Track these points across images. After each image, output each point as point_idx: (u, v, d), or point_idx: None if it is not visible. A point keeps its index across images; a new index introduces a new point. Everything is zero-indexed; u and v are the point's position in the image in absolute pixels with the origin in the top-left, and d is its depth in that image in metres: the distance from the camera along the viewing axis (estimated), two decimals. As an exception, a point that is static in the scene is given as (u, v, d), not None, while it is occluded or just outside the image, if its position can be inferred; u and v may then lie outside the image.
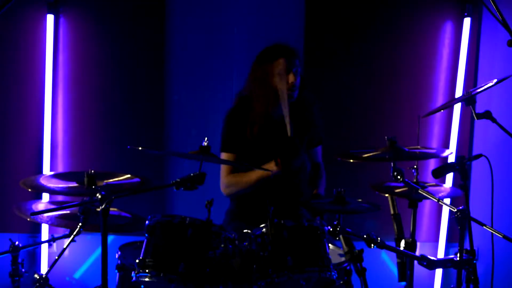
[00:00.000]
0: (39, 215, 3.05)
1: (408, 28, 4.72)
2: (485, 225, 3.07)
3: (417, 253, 3.24)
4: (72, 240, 3.05)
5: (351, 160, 3.36)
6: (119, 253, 3.29)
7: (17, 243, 3.12)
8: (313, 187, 3.82)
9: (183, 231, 2.85)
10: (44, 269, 4.61)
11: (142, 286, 2.94)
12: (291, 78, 3.62)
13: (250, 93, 3.72)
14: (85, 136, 4.66)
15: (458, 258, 3.01)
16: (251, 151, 3.67)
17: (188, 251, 2.82)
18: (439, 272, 4.77)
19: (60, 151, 4.62)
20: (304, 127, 3.78)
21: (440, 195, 3.46)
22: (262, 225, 2.93)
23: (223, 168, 3.68)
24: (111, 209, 2.72)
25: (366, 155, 3.38)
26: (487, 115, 3.22)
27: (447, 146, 4.75)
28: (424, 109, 4.59)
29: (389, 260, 4.79)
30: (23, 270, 3.16)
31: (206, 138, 3.02)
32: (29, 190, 3.11)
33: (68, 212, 3.19)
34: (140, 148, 3.12)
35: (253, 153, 3.66)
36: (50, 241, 3.33)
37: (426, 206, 4.82)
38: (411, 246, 3.41)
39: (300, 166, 3.74)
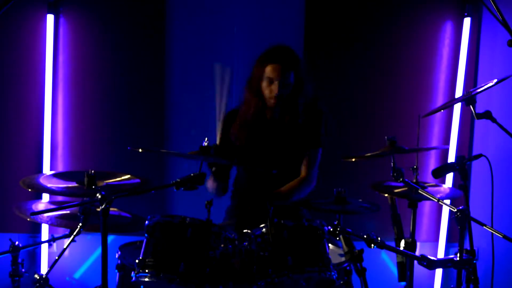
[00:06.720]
0: (39, 215, 3.05)
1: (408, 28, 4.72)
2: (485, 225, 3.06)
3: (417, 253, 3.24)
4: (72, 240, 3.05)
5: (353, 159, 3.36)
6: (119, 253, 3.29)
7: (17, 243, 3.13)
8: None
9: (183, 231, 2.84)
10: (44, 269, 4.61)
11: (142, 286, 2.94)
12: (273, 88, 3.50)
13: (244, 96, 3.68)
14: (85, 136, 4.66)
15: (458, 258, 3.01)
16: (241, 155, 3.62)
17: (188, 251, 2.82)
18: (439, 272, 4.77)
19: (60, 151, 4.62)
20: (303, 133, 3.65)
21: (439, 195, 3.46)
22: (262, 225, 2.93)
23: None
24: (111, 209, 2.73)
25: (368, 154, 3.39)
26: (487, 115, 3.22)
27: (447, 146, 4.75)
28: (424, 109, 4.58)
29: (389, 260, 4.79)
30: (23, 270, 3.16)
31: (206, 138, 3.02)
32: (29, 190, 3.10)
33: (68, 212, 3.20)
34: (140, 150, 3.11)
35: (242, 157, 3.61)
36: (50, 241, 3.33)
37: (426, 206, 4.82)
38: (411, 246, 3.41)
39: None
